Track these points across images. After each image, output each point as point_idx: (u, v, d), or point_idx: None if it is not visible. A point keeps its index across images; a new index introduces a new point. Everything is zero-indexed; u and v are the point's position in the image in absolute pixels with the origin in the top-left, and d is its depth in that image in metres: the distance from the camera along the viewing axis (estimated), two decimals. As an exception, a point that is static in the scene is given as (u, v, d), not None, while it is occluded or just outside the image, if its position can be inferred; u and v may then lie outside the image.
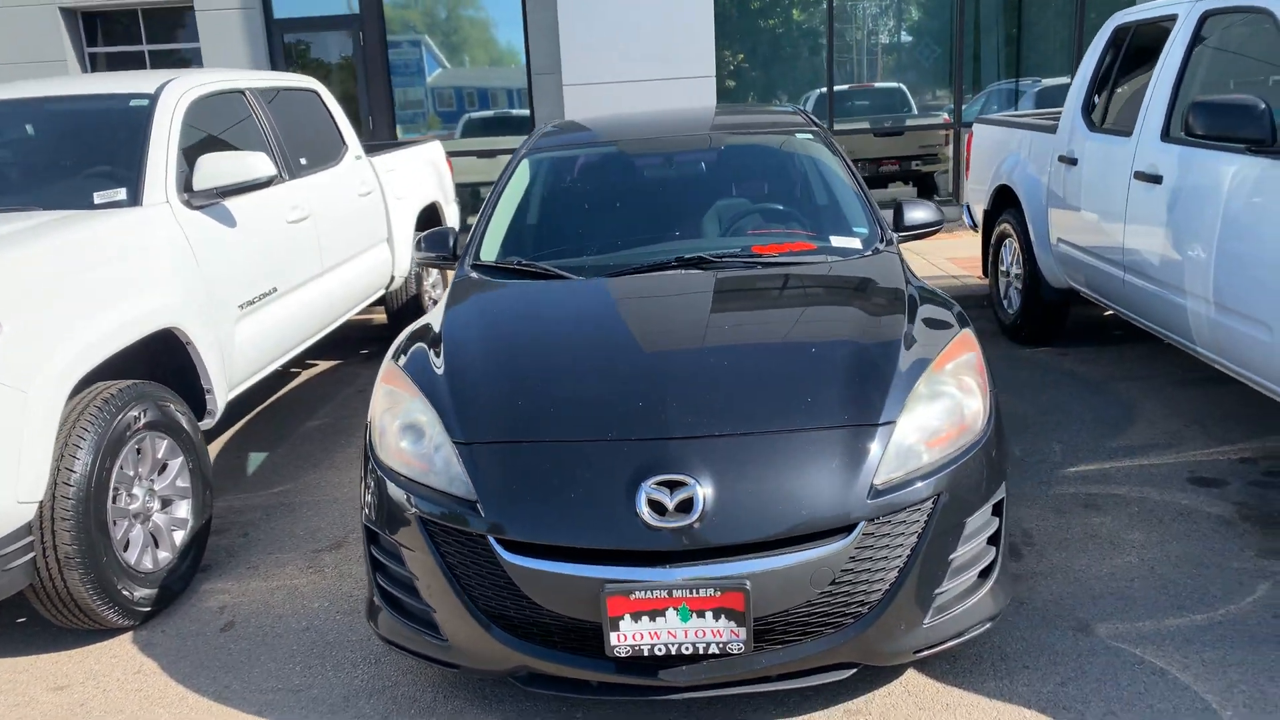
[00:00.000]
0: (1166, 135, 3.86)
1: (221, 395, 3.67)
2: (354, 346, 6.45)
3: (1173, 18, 4.06)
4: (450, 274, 5.55)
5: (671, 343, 2.57)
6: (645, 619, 2.11)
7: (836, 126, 10.81)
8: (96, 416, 2.92)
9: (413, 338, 2.88)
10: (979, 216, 6.25)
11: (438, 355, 2.68)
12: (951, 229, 8.66)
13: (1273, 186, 3.09)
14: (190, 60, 10.47)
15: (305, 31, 10.02)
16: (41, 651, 2.99)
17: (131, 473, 3.10)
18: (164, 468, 3.29)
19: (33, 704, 2.71)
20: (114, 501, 3.00)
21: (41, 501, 2.73)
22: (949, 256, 8.13)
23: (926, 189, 11.45)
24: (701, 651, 2.14)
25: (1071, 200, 4.77)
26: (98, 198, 3.49)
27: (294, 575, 3.37)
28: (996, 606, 2.42)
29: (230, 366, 3.78)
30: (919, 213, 3.52)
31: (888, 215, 3.54)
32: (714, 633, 2.12)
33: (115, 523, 3.00)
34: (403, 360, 2.75)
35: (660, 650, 2.14)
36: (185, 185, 3.68)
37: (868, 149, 11.24)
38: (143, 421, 3.10)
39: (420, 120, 11.35)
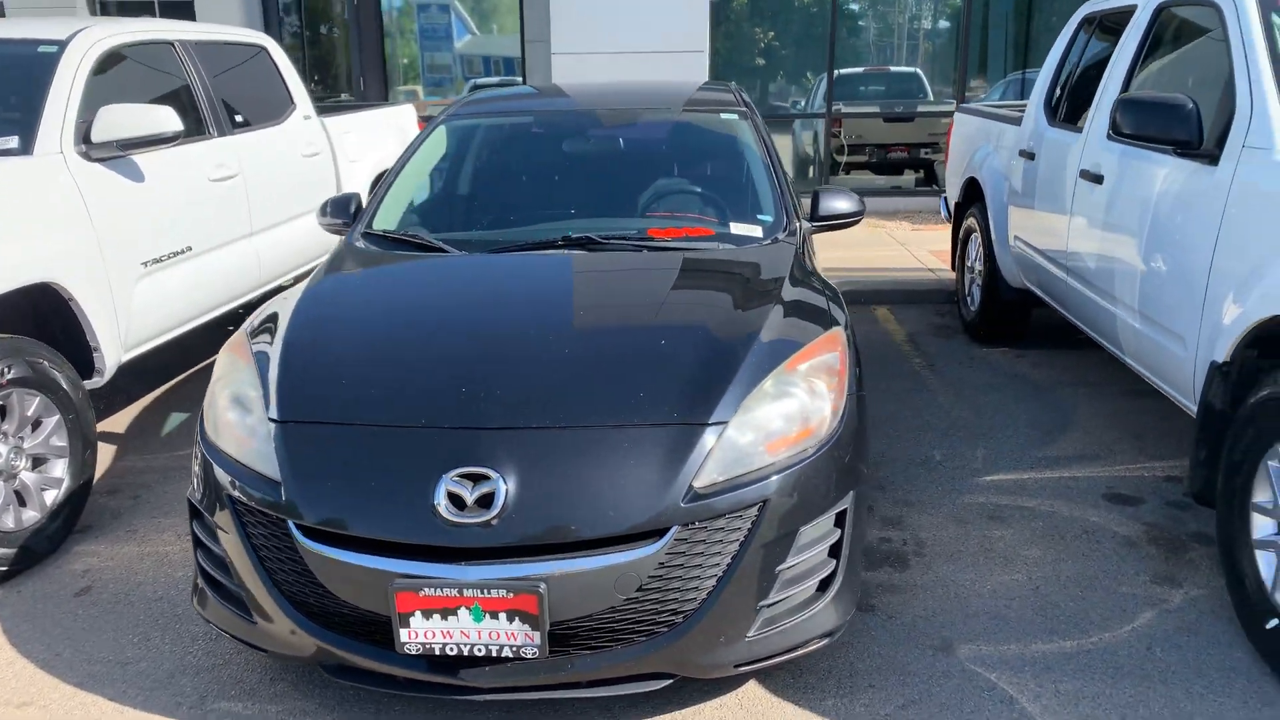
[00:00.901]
0: (1113, 133, 3.65)
1: (112, 354, 3.59)
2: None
3: (1132, 9, 3.83)
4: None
5: (517, 328, 2.44)
6: (436, 617, 2.01)
7: (844, 110, 10.55)
8: (-49, 370, 2.84)
9: (272, 304, 2.78)
10: (952, 209, 6.05)
11: (283, 326, 2.57)
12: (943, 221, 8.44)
13: (1194, 194, 2.90)
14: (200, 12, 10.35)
15: (299, -13, 9.88)
16: (-109, 605, 2.94)
17: (-7, 429, 3.03)
18: (36, 425, 3.22)
19: None
20: (-29, 458, 2.94)
21: (-125, 455, 2.66)
22: (932, 249, 7.90)
23: (931, 178, 11.14)
24: (494, 654, 2.03)
25: (1027, 197, 4.57)
26: (-11, 145, 3.40)
27: (169, 542, 3.30)
28: (836, 621, 2.29)
29: (129, 325, 3.69)
30: (837, 202, 3.36)
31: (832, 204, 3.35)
32: (508, 635, 2.01)
33: (-29, 479, 2.94)
34: (253, 328, 2.64)
35: (452, 650, 2.03)
36: (85, 136, 3.58)
37: (875, 134, 10.96)
38: (8, 376, 3.02)
39: (448, 84, 11.24)
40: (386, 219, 3.32)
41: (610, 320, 2.47)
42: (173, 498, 3.64)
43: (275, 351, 2.45)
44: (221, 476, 2.26)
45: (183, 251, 4.04)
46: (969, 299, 5.62)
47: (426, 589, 1.99)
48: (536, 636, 2.00)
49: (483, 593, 1.98)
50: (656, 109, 3.69)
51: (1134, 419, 4.18)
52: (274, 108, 5.06)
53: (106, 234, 3.56)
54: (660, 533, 2.04)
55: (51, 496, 3.25)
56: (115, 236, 3.61)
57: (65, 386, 3.28)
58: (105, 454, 4.07)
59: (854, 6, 10.42)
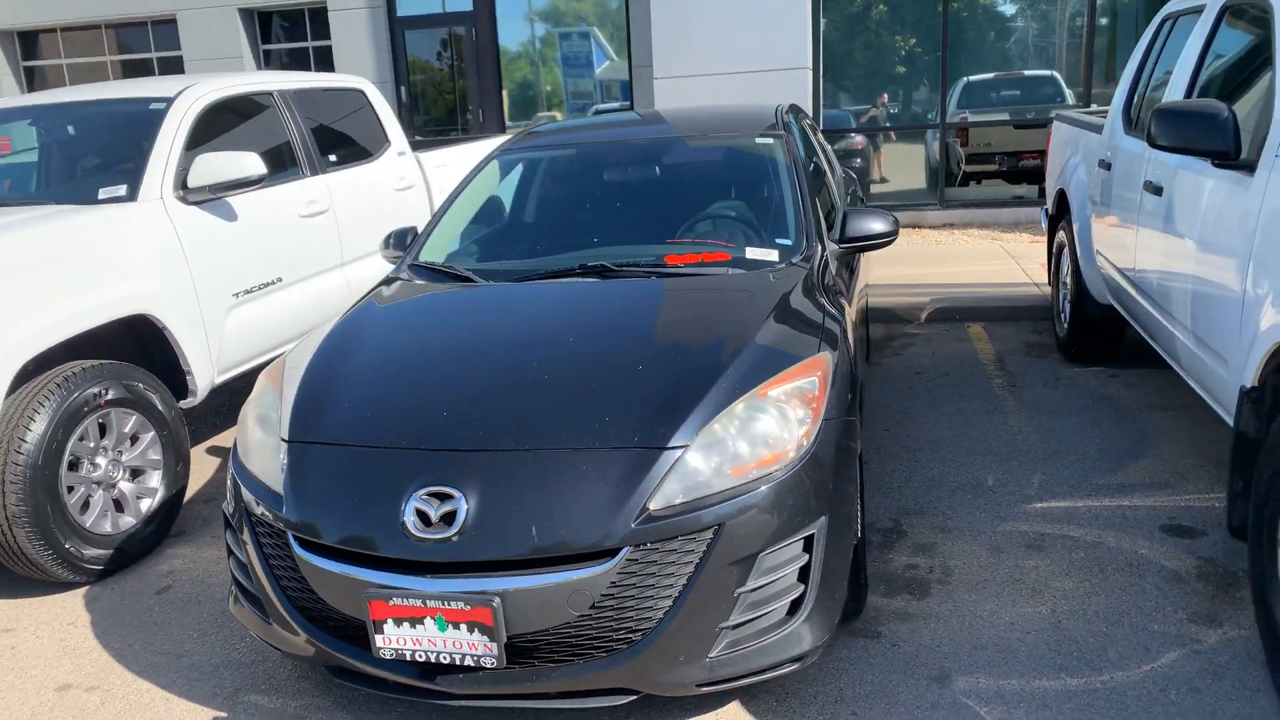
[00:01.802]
0: (1149, 144, 3.45)
1: (204, 377, 3.99)
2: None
3: (1202, 8, 3.61)
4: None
5: (509, 354, 2.58)
6: (407, 625, 2.17)
7: (971, 119, 10.23)
8: (54, 392, 3.26)
9: (314, 333, 3.04)
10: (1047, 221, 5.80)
11: (310, 352, 2.82)
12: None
13: (1233, 206, 2.72)
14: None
15: (425, 28, 10.52)
16: (4, 597, 3.38)
17: (93, 444, 3.44)
18: (134, 440, 3.63)
19: (-21, 642, 3.09)
20: (73, 469, 3.36)
21: (-13, 465, 3.09)
22: (1043, 263, 7.54)
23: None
24: (458, 662, 2.17)
25: (1105, 209, 4.35)
26: (102, 193, 3.88)
27: (243, 547, 3.63)
28: (807, 646, 2.29)
29: (221, 350, 4.10)
30: (865, 223, 3.33)
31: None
32: (470, 645, 2.14)
33: (72, 488, 3.35)
34: (293, 354, 2.91)
35: (421, 656, 2.18)
36: (183, 183, 4.01)
37: (1006, 142, 10.56)
38: (105, 398, 3.43)
39: (588, 110, 11.67)
40: (433, 251, 3.55)
41: (596, 346, 2.57)
42: (257, 507, 4.00)
43: (298, 376, 2.70)
44: (245, 492, 2.51)
45: (273, 283, 4.44)
46: (1061, 315, 5.36)
47: (396, 598, 2.15)
48: (494, 647, 2.13)
49: (444, 604, 2.13)
50: (691, 136, 3.77)
51: (1218, 447, 3.90)
52: (368, 146, 5.46)
53: (199, 269, 3.98)
54: (612, 552, 2.13)
55: (147, 505, 3.65)
56: (208, 271, 4.02)
57: (159, 406, 3.68)
58: (210, 465, 4.51)
59: (965, 14, 10.08)
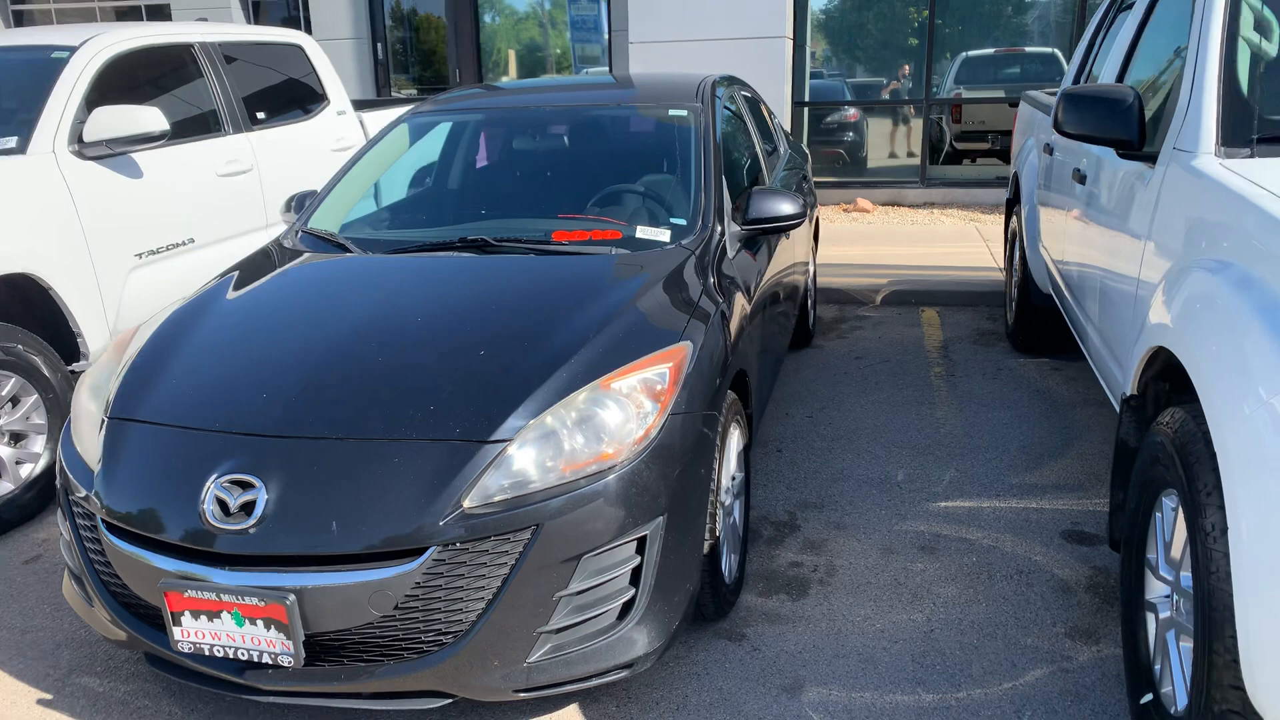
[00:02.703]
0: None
1: (98, 338, 3.86)
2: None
3: (1143, -15, 3.40)
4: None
5: (344, 334, 2.43)
6: (204, 618, 2.05)
7: (965, 94, 9.98)
8: (-81, 352, 3.14)
9: (175, 302, 2.90)
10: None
11: (158, 322, 2.69)
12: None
13: (1133, 201, 2.55)
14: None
15: (402, -17, 10.25)
16: (-127, 560, 3.29)
17: (-36, 406, 3.33)
18: (15, 403, 3.51)
19: None
20: (-57, 431, 3.25)
21: None
22: (1013, 245, 7.34)
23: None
24: (256, 659, 2.05)
25: (1045, 195, 4.17)
26: (-8, 145, 3.73)
27: (125, 517, 3.53)
28: (639, 652, 2.18)
29: (120, 313, 3.96)
30: (770, 204, 3.16)
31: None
32: (267, 642, 2.03)
33: (-60, 451, 3.24)
34: (149, 322, 2.77)
35: (219, 651, 2.07)
36: (79, 137, 3.85)
37: (1000, 120, 10.31)
38: (-22, 359, 3.31)
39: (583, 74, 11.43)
40: (322, 217, 3.40)
41: (443, 328, 2.43)
42: (153, 475, 3.89)
43: (138, 346, 2.57)
44: (67, 464, 2.38)
45: (184, 243, 4.29)
46: (1011, 304, 5.20)
47: (191, 590, 2.03)
48: (291, 645, 2.01)
49: (239, 598, 2.01)
50: (603, 106, 3.59)
51: (1146, 446, 3.75)
52: (304, 104, 5.28)
53: (94, 227, 3.83)
54: (418, 551, 2.00)
55: (28, 470, 3.54)
56: (105, 230, 3.87)
57: (44, 369, 3.56)
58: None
59: (958, -15, 9.77)
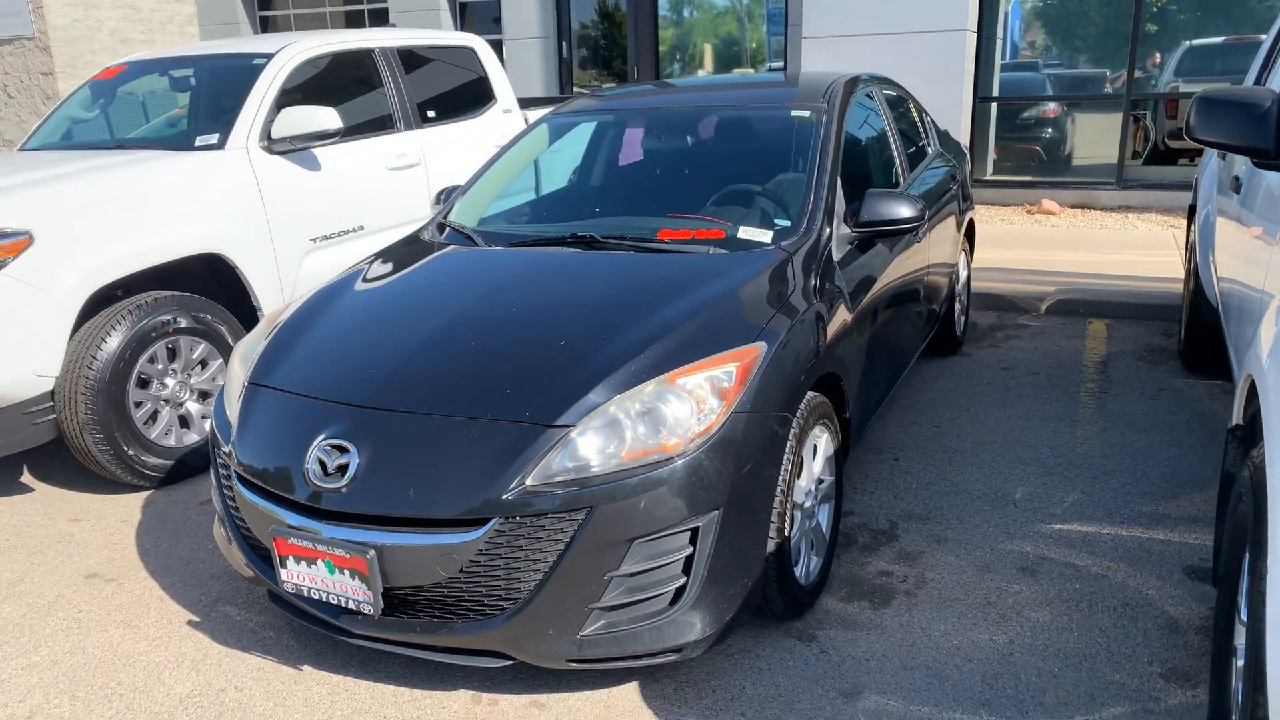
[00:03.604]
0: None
1: (275, 313, 4.34)
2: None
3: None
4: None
5: (447, 319, 2.64)
6: (304, 564, 2.32)
7: (1183, 87, 9.20)
8: (126, 317, 3.68)
9: (327, 281, 3.24)
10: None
11: (302, 299, 3.02)
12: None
13: (1268, 212, 2.34)
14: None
15: (590, -17, 10.63)
16: (86, 491, 3.88)
17: (162, 366, 3.86)
18: (204, 365, 4.03)
19: (49, 527, 3.58)
20: (144, 387, 3.78)
21: (58, 377, 3.54)
22: (1210, 255, 6.71)
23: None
24: (343, 605, 2.30)
25: (1219, 202, 3.83)
26: (198, 140, 4.28)
27: (286, 473, 3.97)
28: (690, 638, 2.26)
29: (296, 289, 4.44)
30: (882, 207, 3.13)
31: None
32: (352, 590, 2.27)
33: (140, 404, 3.78)
34: (298, 299, 3.12)
35: (316, 595, 2.34)
36: (268, 134, 4.34)
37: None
38: (175, 325, 3.83)
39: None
40: (461, 211, 3.67)
41: (534, 318, 2.59)
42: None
43: (282, 321, 2.91)
44: (215, 421, 2.75)
45: (355, 230, 4.73)
46: (1183, 320, 4.80)
47: (294, 538, 2.31)
48: (371, 595, 2.24)
49: (330, 549, 2.26)
50: (730, 106, 3.64)
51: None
52: (473, 103, 5.66)
53: (277, 214, 4.31)
54: (482, 521, 2.18)
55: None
56: (285, 217, 4.35)
57: (229, 337, 4.06)
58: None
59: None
